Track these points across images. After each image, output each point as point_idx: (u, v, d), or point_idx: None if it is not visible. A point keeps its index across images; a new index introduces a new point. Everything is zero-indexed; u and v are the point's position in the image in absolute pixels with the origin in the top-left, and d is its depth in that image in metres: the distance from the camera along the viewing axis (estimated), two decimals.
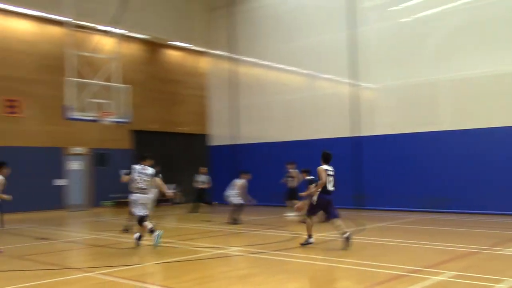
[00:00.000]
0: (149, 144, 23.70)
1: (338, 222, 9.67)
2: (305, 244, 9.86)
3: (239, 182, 15.13)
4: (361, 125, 19.13)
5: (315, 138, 20.24)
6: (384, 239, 11.01)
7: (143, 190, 10.33)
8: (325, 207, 9.82)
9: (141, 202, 10.32)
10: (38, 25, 20.18)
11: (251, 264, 8.40)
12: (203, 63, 25.95)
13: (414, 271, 7.32)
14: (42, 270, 8.23)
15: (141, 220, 10.21)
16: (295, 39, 21.18)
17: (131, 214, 11.03)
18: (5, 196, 10.40)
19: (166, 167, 24.00)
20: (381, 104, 18.92)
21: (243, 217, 15.26)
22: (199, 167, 20.15)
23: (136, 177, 10.28)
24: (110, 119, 15.97)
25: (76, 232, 14.35)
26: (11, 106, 19.16)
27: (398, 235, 11.79)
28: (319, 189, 9.68)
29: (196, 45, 25.33)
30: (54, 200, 20.10)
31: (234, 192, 15.11)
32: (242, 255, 9.27)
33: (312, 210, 10.02)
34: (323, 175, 9.60)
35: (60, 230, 14.46)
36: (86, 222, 16.93)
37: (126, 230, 12.75)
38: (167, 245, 10.78)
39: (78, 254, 10.71)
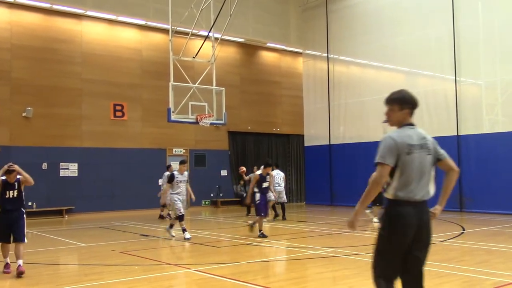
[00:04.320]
0: (245, 145, 24.18)
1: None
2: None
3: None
4: (465, 123, 18.13)
5: None
6: (489, 244, 10.34)
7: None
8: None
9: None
10: (142, 33, 21.37)
11: (346, 266, 8.26)
12: (299, 64, 25.99)
13: None
14: (145, 265, 8.65)
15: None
16: (392, 36, 20.51)
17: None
18: None
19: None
20: (486, 101, 17.82)
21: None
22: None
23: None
24: (208, 121, 16.47)
25: (175, 230, 14.93)
26: (118, 110, 20.48)
27: (504, 240, 11.02)
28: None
29: (291, 46, 25.42)
30: (157, 199, 21.09)
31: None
32: (337, 256, 9.14)
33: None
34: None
35: (162, 228, 15.13)
36: (184, 220, 17.53)
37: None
38: (262, 244, 10.90)
39: (177, 251, 11.14)
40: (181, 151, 22.12)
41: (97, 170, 19.55)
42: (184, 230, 11.81)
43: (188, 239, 11.56)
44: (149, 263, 8.84)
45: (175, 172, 12.16)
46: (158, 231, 14.14)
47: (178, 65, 16.62)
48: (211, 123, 16.87)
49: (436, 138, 16.69)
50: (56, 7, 19.05)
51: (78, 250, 10.97)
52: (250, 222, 12.88)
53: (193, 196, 12.73)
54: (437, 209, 4.23)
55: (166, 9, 17.17)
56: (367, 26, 21.67)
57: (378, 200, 14.32)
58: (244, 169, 18.57)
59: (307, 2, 24.66)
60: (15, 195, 8.06)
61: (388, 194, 4.02)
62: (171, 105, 15.91)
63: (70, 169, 19.22)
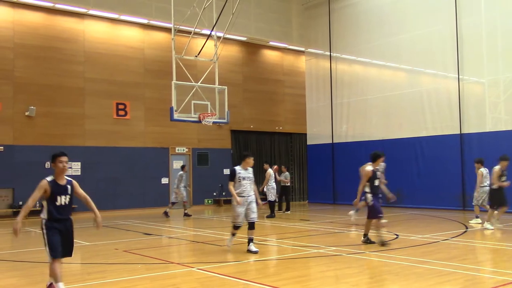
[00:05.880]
0: (248, 144, 24.18)
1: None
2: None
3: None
4: (468, 122, 18.09)
5: (416, 136, 19.48)
6: (492, 242, 10.32)
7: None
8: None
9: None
10: (144, 32, 21.39)
11: (348, 265, 8.25)
12: (301, 62, 25.96)
13: None
14: (147, 264, 8.67)
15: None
16: (395, 34, 20.47)
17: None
18: None
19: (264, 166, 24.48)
20: (489, 99, 17.78)
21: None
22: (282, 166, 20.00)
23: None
24: (211, 119, 16.48)
25: (178, 229, 14.96)
26: (121, 109, 20.51)
27: (507, 238, 10.99)
28: None
29: (293, 44, 25.41)
30: (159, 198, 21.13)
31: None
32: (339, 255, 9.14)
33: None
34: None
35: (164, 226, 15.16)
36: (187, 219, 17.57)
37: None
38: (264, 243, 10.90)
39: (180, 249, 11.15)
40: (183, 150, 22.15)
41: (100, 169, 19.58)
42: (232, 235, 9.86)
43: (227, 245, 9.83)
44: (152, 262, 8.85)
45: (237, 168, 9.72)
46: (161, 230, 14.16)
47: (181, 64, 16.61)
48: (213, 122, 16.88)
49: (439, 136, 16.68)
50: (59, 6, 19.08)
51: (81, 249, 10.98)
52: (380, 240, 10.00)
53: (259, 201, 9.98)
54: None
55: (169, 8, 17.18)
56: (369, 24, 21.63)
57: (501, 202, 12.48)
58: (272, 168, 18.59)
59: (309, 0, 24.62)
60: (67, 202, 6.35)
61: None
62: (173, 104, 15.92)
63: (73, 168, 19.25)
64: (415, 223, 14.67)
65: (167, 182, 21.48)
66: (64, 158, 6.27)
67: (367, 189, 10.09)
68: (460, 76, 18.27)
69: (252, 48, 24.72)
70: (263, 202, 22.69)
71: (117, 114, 20.42)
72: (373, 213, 10.05)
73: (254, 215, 9.63)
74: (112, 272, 8.06)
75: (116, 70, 20.51)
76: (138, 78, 21.08)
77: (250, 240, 9.54)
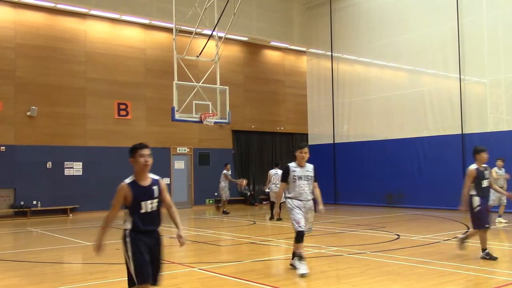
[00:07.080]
0: (249, 144, 24.18)
1: None
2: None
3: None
4: (469, 122, 18.07)
5: (417, 136, 19.45)
6: (494, 243, 10.29)
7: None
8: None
9: None
10: (146, 32, 21.40)
11: (350, 265, 8.25)
12: (302, 62, 25.95)
13: None
14: None
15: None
16: (396, 34, 20.46)
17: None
18: None
19: (265, 166, 24.51)
20: (491, 99, 17.75)
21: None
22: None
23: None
24: (212, 120, 16.50)
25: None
26: (122, 109, 20.52)
27: (509, 238, 10.97)
28: None
29: (294, 44, 25.40)
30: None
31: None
32: (340, 255, 9.13)
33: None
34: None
35: (165, 227, 15.15)
36: (188, 219, 17.58)
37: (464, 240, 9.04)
38: (265, 243, 10.89)
39: (181, 249, 11.13)
40: (185, 150, 22.16)
41: (101, 169, 19.58)
42: (299, 257, 7.63)
43: (302, 275, 7.37)
44: None
45: (292, 164, 7.88)
46: (162, 230, 14.12)
47: (182, 64, 16.62)
48: (215, 122, 16.90)
49: (440, 136, 16.65)
50: (60, 6, 19.10)
51: (82, 249, 10.99)
52: (461, 236, 9.23)
53: (320, 206, 8.23)
54: None
55: (170, 8, 17.19)
56: (371, 24, 21.61)
57: None
58: None
59: (310, 0, 24.61)
60: (154, 208, 5.09)
61: None
62: (175, 104, 15.93)
63: (75, 168, 19.27)
64: (416, 223, 14.65)
65: (169, 182, 21.48)
66: (146, 151, 4.85)
67: (473, 192, 8.38)
68: (461, 76, 18.25)
69: (253, 48, 24.72)
70: (265, 202, 22.84)
71: (119, 114, 20.44)
72: (478, 222, 8.43)
73: (308, 226, 7.92)
74: (114, 272, 8.06)
75: (118, 70, 20.53)
76: (139, 78, 21.10)
77: (294, 255, 7.77)
